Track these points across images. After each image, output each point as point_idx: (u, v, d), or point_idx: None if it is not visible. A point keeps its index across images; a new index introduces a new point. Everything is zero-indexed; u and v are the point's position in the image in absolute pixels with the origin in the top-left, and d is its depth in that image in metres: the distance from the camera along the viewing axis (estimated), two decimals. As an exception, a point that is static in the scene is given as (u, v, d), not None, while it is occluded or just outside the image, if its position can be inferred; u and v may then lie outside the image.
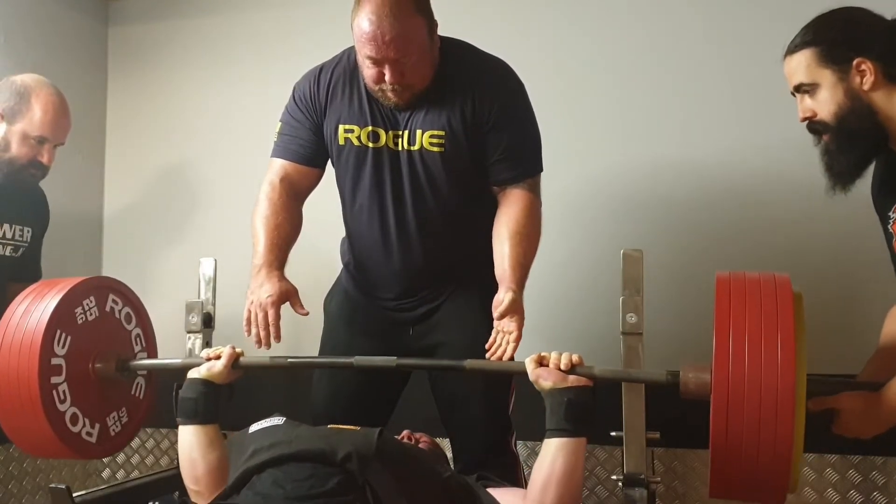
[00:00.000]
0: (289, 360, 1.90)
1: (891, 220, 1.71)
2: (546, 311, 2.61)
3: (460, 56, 1.96)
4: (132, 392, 2.12)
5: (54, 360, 1.87)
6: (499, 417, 2.04)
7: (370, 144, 1.95)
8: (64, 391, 1.89)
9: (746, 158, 2.64)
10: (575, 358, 1.66)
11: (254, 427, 1.70)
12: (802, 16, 1.74)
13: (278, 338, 1.88)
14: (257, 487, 1.49)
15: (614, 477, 1.93)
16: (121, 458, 3.10)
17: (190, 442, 1.77)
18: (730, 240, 2.64)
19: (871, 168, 1.74)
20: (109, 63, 3.33)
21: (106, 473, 3.10)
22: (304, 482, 1.46)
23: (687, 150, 2.71)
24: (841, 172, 1.69)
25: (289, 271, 1.98)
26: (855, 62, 1.62)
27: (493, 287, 1.88)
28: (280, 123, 2.06)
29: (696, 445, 2.56)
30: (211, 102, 3.19)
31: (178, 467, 2.17)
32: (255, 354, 1.88)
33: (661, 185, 2.71)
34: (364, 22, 1.78)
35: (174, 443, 2.99)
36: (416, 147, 1.93)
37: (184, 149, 3.21)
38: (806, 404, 1.52)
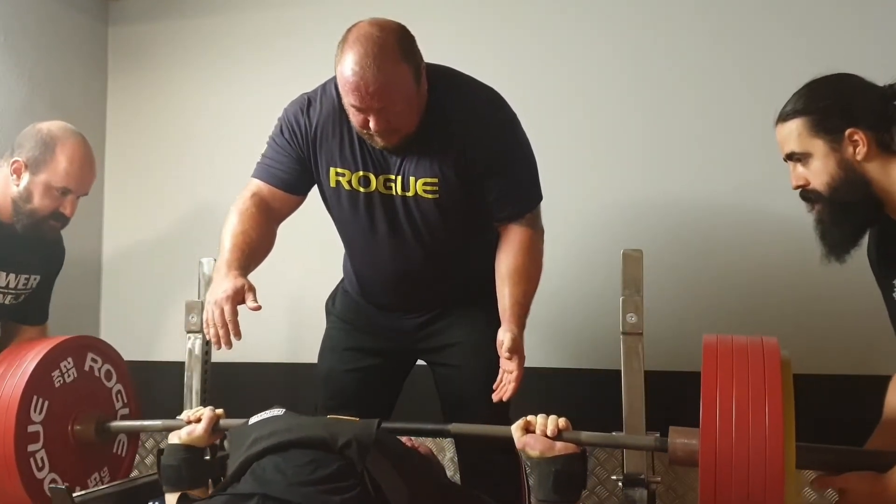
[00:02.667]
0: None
1: (895, 289, 1.68)
2: (546, 312, 2.60)
3: (450, 92, 1.89)
4: (114, 450, 2.09)
5: (31, 428, 1.85)
6: (502, 418, 2.05)
7: (361, 189, 1.92)
8: (42, 458, 1.86)
9: (748, 160, 2.64)
10: (562, 423, 1.64)
11: (254, 418, 1.70)
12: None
13: (238, 334, 1.74)
14: (258, 473, 1.50)
15: (614, 477, 1.93)
16: (121, 458, 3.10)
17: None
18: (730, 240, 2.64)
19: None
20: (109, 63, 3.32)
21: (106, 473, 3.10)
22: (304, 467, 1.46)
23: (689, 152, 2.71)
24: (835, 245, 1.67)
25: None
26: (847, 132, 1.59)
27: (494, 299, 1.91)
28: (266, 146, 2.03)
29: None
30: (211, 102, 3.18)
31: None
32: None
33: (662, 185, 2.71)
34: (347, 71, 1.71)
35: (174, 443, 3.00)
36: (411, 193, 1.90)
37: (184, 148, 3.21)
38: (811, 483, 1.55)
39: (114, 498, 1.91)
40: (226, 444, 1.92)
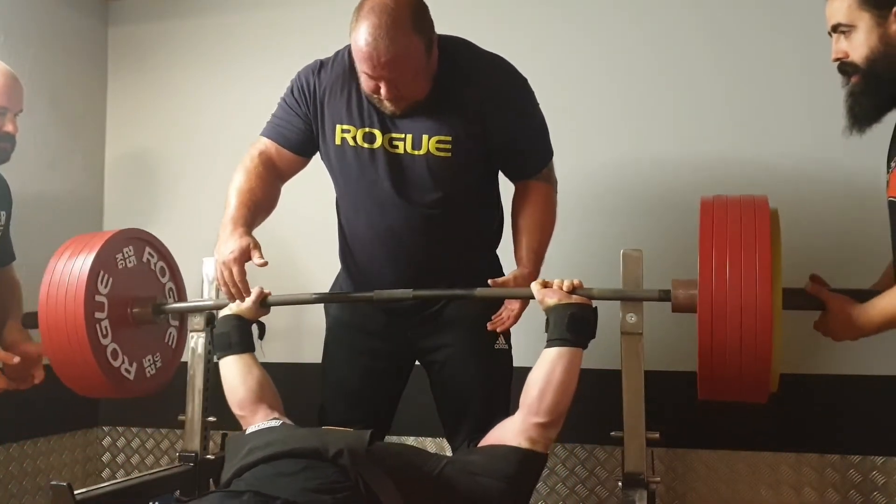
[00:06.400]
0: (313, 296, 2.08)
1: (890, 169, 1.77)
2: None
3: (461, 59, 1.96)
4: (165, 340, 2.27)
5: (98, 297, 2.02)
6: (500, 415, 2.04)
7: (366, 145, 1.95)
8: (106, 327, 2.03)
9: (746, 156, 2.64)
10: (576, 282, 1.82)
11: (251, 428, 1.76)
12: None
13: (248, 292, 1.91)
14: (249, 480, 1.52)
15: (614, 477, 1.93)
16: (121, 458, 3.10)
17: (230, 372, 1.93)
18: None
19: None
20: (109, 63, 3.32)
21: (106, 473, 3.11)
22: (298, 474, 1.49)
23: (687, 148, 2.71)
24: (859, 115, 1.75)
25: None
26: (894, 9, 1.67)
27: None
28: (276, 106, 2.09)
29: (696, 445, 2.56)
30: (210, 102, 3.19)
31: (178, 466, 2.19)
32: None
33: (662, 185, 2.71)
34: (360, 40, 1.77)
35: (174, 443, 3.01)
36: (422, 151, 1.92)
37: (184, 149, 3.21)
38: (804, 287, 1.77)
39: (114, 497, 1.91)
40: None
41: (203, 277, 2.30)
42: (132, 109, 3.29)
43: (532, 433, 1.68)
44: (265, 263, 1.83)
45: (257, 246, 1.85)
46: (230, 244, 1.86)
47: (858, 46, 1.71)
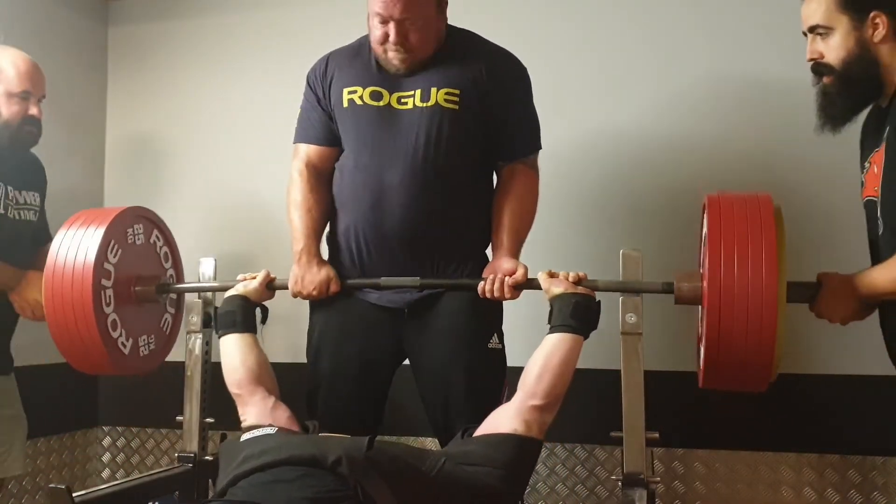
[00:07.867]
0: None
1: (865, 169, 1.80)
2: (546, 311, 2.61)
3: (468, 37, 2.08)
4: (160, 325, 2.31)
5: (106, 265, 2.06)
6: (493, 407, 2.01)
7: (373, 103, 2.01)
8: (110, 296, 2.07)
9: (751, 163, 2.64)
10: (581, 274, 1.89)
11: (246, 435, 1.74)
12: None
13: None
14: (245, 488, 1.50)
15: (614, 477, 1.93)
16: (120, 457, 3.10)
17: (230, 351, 1.97)
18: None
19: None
20: (109, 63, 3.32)
21: (106, 473, 3.11)
22: (294, 482, 1.47)
23: (690, 154, 2.71)
24: (834, 115, 1.78)
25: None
26: (871, 14, 1.70)
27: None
28: (300, 110, 2.15)
29: (696, 445, 2.56)
30: (211, 102, 3.18)
31: (176, 467, 2.19)
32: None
33: (662, 185, 2.71)
34: None
35: (174, 443, 3.01)
36: (431, 103, 1.97)
37: (183, 149, 3.21)
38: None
39: (114, 498, 1.91)
40: None
41: (199, 278, 2.29)
42: (132, 110, 3.29)
43: (527, 415, 1.70)
44: (340, 289, 2.04)
45: (335, 277, 2.04)
46: (308, 278, 2.04)
47: (835, 48, 1.74)
